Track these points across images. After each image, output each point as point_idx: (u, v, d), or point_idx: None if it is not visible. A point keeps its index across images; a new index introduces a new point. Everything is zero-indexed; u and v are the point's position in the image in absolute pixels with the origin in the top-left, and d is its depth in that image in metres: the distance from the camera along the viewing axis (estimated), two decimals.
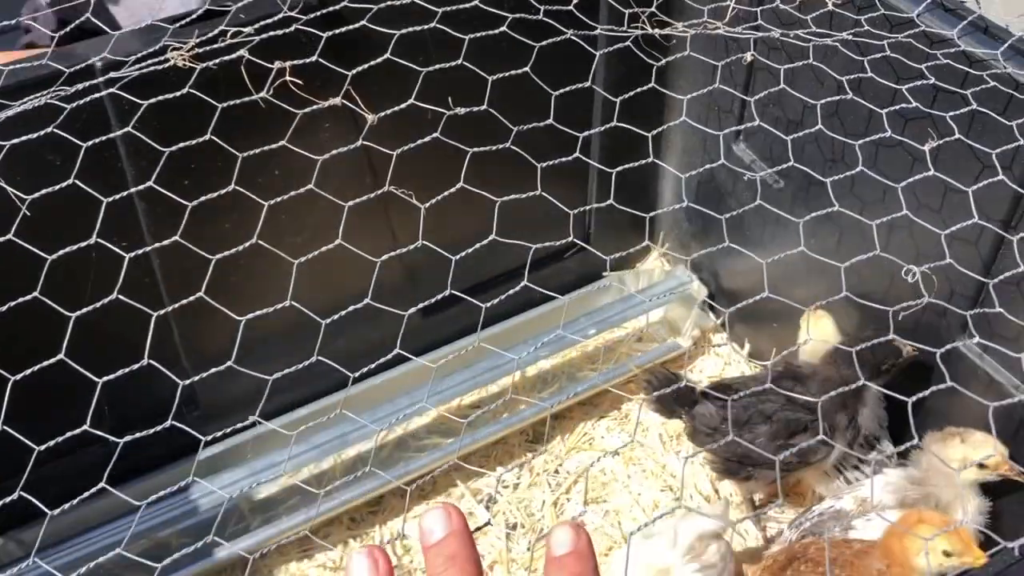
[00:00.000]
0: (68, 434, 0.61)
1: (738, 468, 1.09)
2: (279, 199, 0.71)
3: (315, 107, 0.72)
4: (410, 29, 0.78)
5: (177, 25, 0.80)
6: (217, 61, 0.72)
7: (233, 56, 0.72)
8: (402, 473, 1.17)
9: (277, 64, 0.73)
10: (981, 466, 0.91)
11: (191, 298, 0.67)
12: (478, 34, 0.78)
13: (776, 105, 1.09)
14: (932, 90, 0.87)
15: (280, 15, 0.76)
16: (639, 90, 0.83)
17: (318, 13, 0.78)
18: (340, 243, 0.71)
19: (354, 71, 0.74)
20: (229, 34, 0.75)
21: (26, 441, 0.63)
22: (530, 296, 1.35)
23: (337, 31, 0.75)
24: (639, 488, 1.21)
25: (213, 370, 0.66)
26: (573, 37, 0.81)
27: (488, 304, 0.77)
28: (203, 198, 0.70)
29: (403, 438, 1.25)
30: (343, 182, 0.91)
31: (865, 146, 0.87)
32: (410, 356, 0.75)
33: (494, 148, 0.74)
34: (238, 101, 0.71)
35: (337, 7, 0.79)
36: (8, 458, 0.63)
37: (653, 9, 0.90)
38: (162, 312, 0.68)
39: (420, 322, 1.26)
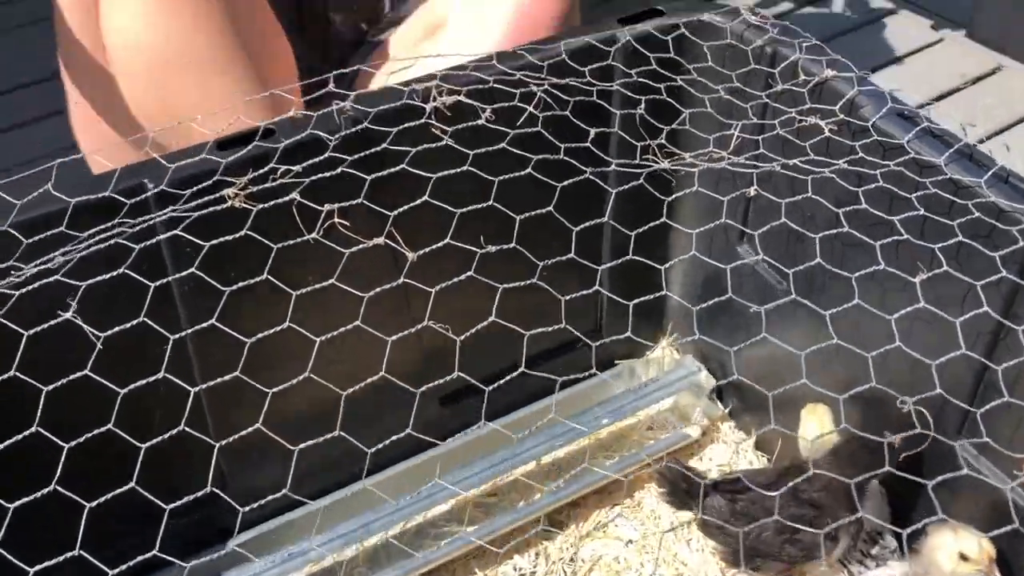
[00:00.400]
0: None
1: (746, 560, 1.14)
2: (328, 336, 0.78)
3: (360, 246, 0.80)
4: (444, 172, 0.86)
5: (230, 159, 0.88)
6: (271, 204, 0.80)
7: (286, 199, 0.80)
8: (422, 563, 1.22)
9: (327, 207, 0.80)
10: (963, 558, 0.96)
11: (227, 377, 0.75)
12: (506, 176, 0.86)
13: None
14: (922, 219, 0.94)
15: (326, 155, 0.84)
16: (651, 224, 0.91)
17: (361, 155, 0.86)
18: (358, 324, 0.80)
19: (395, 212, 0.82)
20: (279, 172, 0.83)
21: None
22: (543, 384, 1.42)
23: (379, 174, 0.83)
24: None
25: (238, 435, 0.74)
26: (591, 176, 0.89)
27: (490, 388, 0.84)
28: (257, 336, 0.78)
29: (422, 526, 1.30)
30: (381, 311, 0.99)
31: (861, 275, 0.94)
32: (428, 440, 0.80)
33: (521, 284, 0.82)
34: (291, 242, 0.79)
35: (378, 148, 0.87)
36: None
37: (662, 140, 0.98)
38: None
39: (439, 412, 1.32)
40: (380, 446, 0.81)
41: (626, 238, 0.90)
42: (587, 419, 1.39)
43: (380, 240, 0.80)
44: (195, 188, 0.87)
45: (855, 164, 1.00)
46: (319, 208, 0.82)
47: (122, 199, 0.88)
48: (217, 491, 0.75)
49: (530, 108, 0.93)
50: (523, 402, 1.40)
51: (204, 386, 0.76)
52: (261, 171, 0.86)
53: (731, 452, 1.41)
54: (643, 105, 1.02)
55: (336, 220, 0.81)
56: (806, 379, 1.17)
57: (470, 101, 0.92)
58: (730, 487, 1.13)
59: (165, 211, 0.85)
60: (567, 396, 1.42)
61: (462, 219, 0.83)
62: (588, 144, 0.92)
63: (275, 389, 0.74)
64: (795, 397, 1.22)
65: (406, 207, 0.84)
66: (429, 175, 0.85)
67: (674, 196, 0.94)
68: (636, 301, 0.89)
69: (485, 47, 1.12)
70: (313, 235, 0.80)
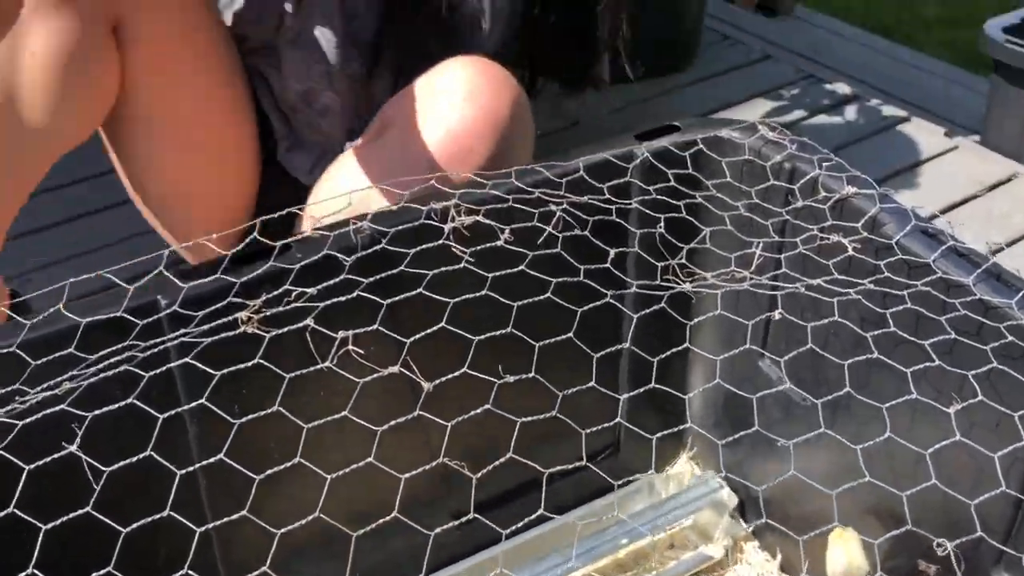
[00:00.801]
0: None
1: None
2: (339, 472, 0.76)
3: (375, 375, 0.78)
4: (462, 297, 0.84)
5: (245, 278, 0.87)
6: (285, 330, 0.78)
7: (299, 326, 0.78)
8: None
9: (341, 334, 0.79)
10: None
11: (235, 516, 0.72)
12: (525, 301, 0.84)
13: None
14: (952, 342, 0.92)
15: (341, 277, 0.83)
16: (674, 350, 0.89)
17: (377, 277, 0.85)
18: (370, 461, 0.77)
19: (411, 339, 0.80)
20: (294, 295, 0.82)
21: None
22: (562, 501, 1.39)
23: (395, 298, 0.81)
24: None
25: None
26: (612, 300, 0.87)
27: (506, 532, 0.80)
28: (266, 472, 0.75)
29: None
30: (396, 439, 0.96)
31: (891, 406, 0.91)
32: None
33: (541, 417, 0.80)
34: (305, 371, 0.77)
35: (395, 271, 0.86)
36: None
37: (683, 260, 0.97)
38: None
39: (456, 534, 1.27)
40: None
41: (648, 364, 0.88)
42: (605, 538, 1.34)
43: (395, 369, 0.78)
44: (209, 309, 0.86)
45: (880, 284, 0.99)
46: (333, 335, 0.80)
47: (134, 319, 0.87)
48: None
49: (549, 228, 0.92)
50: (543, 519, 1.36)
51: (211, 525, 0.73)
52: (275, 292, 0.85)
53: (755, 574, 1.36)
54: (662, 223, 1.01)
55: (351, 348, 0.79)
56: (836, 515, 1.14)
57: (488, 221, 0.91)
58: None
59: (177, 334, 0.84)
60: (583, 514, 1.38)
61: (480, 346, 0.81)
62: (608, 265, 0.90)
63: (283, 530, 0.71)
64: (823, 517, 1.19)
65: (422, 334, 0.82)
66: (447, 300, 0.84)
67: (695, 320, 0.92)
68: (659, 435, 0.86)
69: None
70: (327, 364, 0.78)
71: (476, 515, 1.25)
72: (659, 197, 1.08)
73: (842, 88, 2.41)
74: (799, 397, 1.20)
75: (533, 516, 1.32)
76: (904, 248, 1.01)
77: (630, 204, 1.04)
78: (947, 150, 2.15)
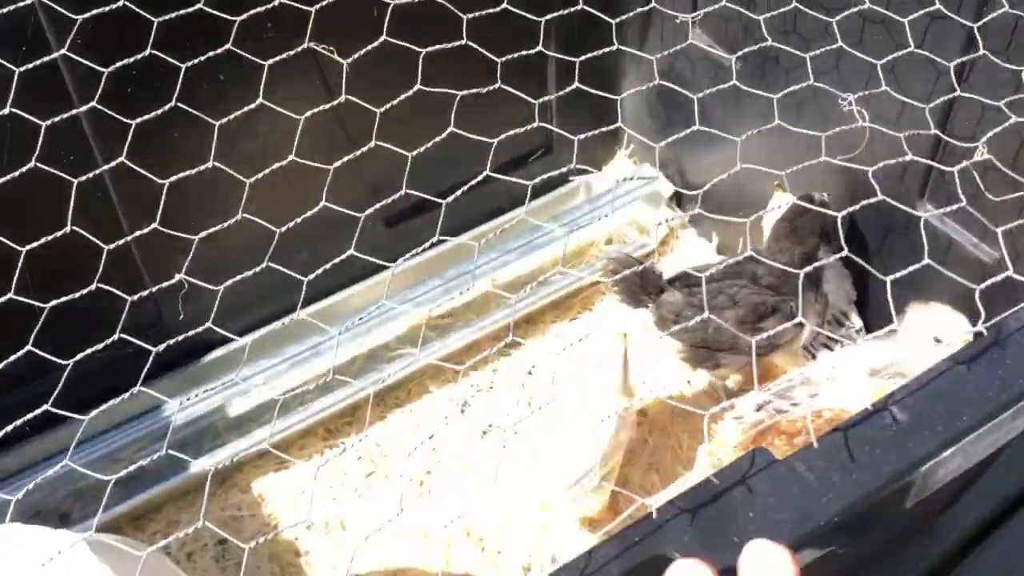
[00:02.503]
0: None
1: (706, 356, 1.10)
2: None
3: (285, 54, 0.69)
4: None
5: None
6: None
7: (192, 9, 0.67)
8: (375, 381, 1.19)
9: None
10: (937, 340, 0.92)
11: (146, 230, 0.69)
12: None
13: None
14: None
15: None
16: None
17: None
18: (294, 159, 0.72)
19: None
20: None
21: None
22: (497, 204, 1.35)
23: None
24: None
25: (167, 283, 0.69)
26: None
27: (448, 200, 0.77)
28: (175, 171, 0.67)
29: (375, 350, 1.26)
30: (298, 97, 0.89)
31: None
32: (378, 263, 0.74)
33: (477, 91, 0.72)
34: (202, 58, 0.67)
35: None
36: None
37: None
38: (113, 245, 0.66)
39: (385, 232, 1.25)
40: (319, 272, 0.74)
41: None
42: (541, 233, 1.33)
43: (306, 45, 0.69)
44: None
45: None
46: (232, 19, 0.70)
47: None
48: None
49: None
50: (474, 222, 1.33)
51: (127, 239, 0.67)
52: None
53: (692, 261, 1.37)
54: None
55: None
56: (767, 165, 1.12)
57: None
58: (685, 281, 1.08)
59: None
60: (520, 213, 1.35)
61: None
62: None
63: (202, 234, 0.66)
64: (755, 195, 1.16)
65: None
66: None
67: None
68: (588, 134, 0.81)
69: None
70: (227, 46, 0.69)
71: (407, 213, 1.23)
72: None
73: None
74: (729, 63, 1.13)
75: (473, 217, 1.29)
76: None
77: None
78: None
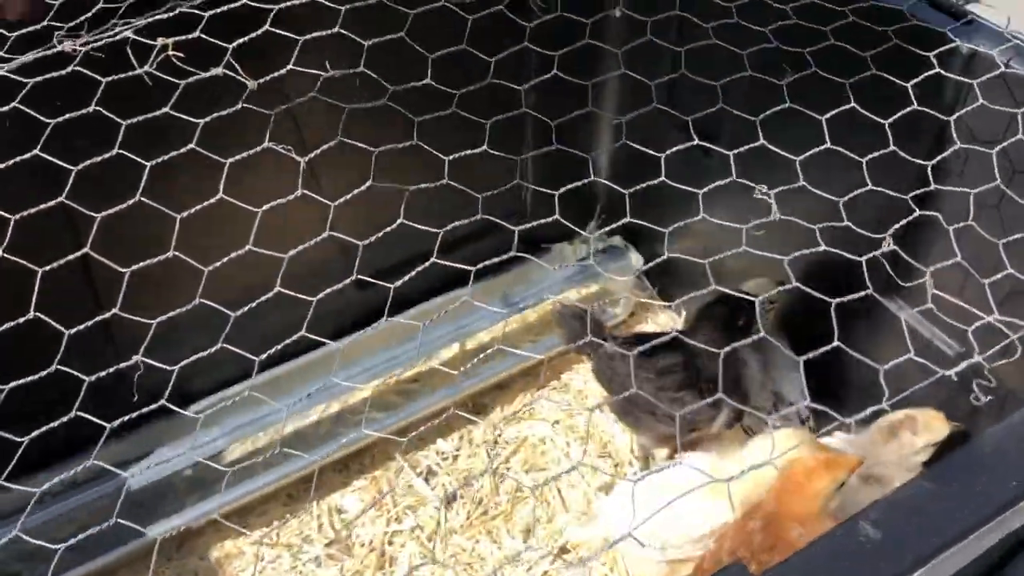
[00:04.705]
0: None
1: (627, 410, 1.11)
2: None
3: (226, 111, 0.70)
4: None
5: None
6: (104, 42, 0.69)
7: (118, 37, 0.69)
8: (339, 448, 1.18)
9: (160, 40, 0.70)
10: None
11: (107, 314, 0.70)
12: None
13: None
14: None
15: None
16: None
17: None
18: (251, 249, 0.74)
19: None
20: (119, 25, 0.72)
21: None
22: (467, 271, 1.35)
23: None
24: (577, 456, 1.23)
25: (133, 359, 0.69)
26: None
27: (396, 284, 0.78)
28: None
29: (341, 413, 1.25)
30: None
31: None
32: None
33: (433, 185, 0.74)
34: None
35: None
36: None
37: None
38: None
39: (357, 296, 1.25)
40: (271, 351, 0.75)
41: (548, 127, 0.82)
42: (512, 301, 1.34)
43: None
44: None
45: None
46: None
47: None
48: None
49: None
50: (442, 289, 1.34)
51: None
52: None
53: (659, 329, 1.38)
54: None
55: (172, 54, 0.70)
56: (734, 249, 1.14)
57: None
58: (628, 339, 1.11)
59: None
60: (492, 281, 1.36)
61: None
62: None
63: (160, 318, 0.67)
64: (720, 273, 1.17)
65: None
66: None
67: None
68: (561, 190, 0.83)
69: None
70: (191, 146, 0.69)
71: (379, 277, 1.23)
72: None
73: None
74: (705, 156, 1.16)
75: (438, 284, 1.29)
76: None
77: None
78: None
